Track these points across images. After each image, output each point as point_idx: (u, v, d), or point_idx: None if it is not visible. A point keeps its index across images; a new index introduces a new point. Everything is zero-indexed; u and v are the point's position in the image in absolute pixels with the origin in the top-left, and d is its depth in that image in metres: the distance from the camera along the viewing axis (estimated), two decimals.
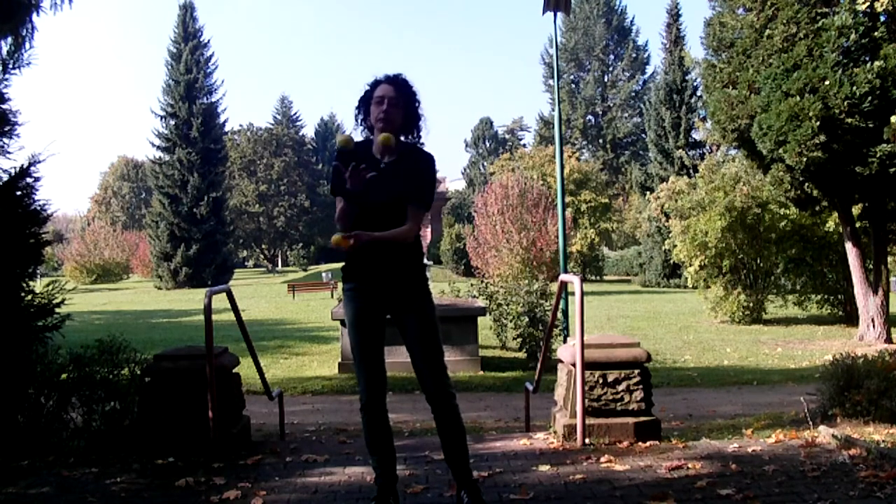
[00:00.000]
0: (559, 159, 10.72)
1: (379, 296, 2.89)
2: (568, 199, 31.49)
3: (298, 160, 55.09)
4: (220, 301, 4.33)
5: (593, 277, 32.90)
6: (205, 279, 33.99)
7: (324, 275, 31.99)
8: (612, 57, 52.04)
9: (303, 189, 54.33)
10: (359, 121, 2.99)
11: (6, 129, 4.19)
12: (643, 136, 41.46)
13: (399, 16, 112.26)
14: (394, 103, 2.84)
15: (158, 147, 37.51)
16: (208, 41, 37.91)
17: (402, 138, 2.94)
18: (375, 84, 2.91)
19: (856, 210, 11.92)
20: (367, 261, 2.87)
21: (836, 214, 12.54)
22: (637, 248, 34.29)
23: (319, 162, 57.57)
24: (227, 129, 43.31)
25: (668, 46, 31.74)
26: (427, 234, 34.08)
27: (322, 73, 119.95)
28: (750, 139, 11.11)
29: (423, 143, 3.00)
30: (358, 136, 3.00)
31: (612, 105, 51.23)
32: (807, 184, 11.28)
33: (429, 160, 2.95)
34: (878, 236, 11.77)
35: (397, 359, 8.25)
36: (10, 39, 4.28)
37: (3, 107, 4.18)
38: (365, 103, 2.93)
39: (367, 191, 2.80)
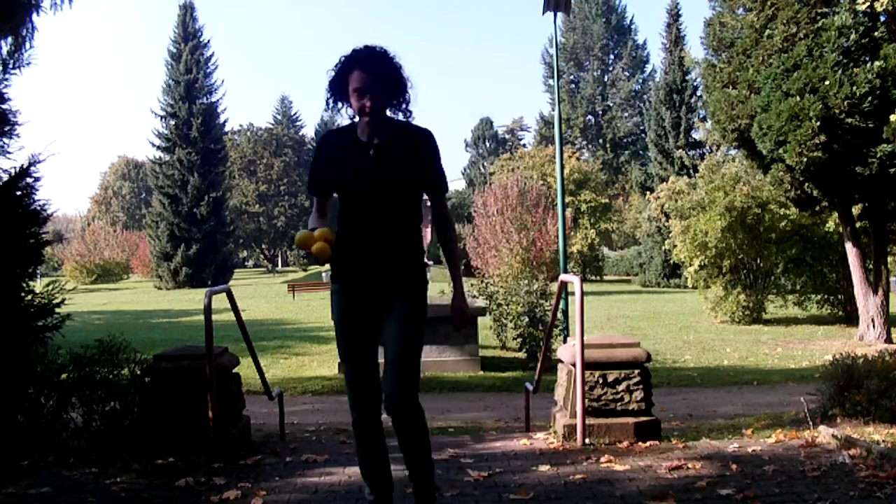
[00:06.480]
0: (559, 159, 10.72)
1: (371, 295, 2.58)
2: (568, 199, 31.48)
3: (298, 160, 55.08)
4: (220, 301, 4.33)
5: (593, 277, 32.90)
6: (205, 279, 34.02)
7: (324, 275, 32.00)
8: (611, 56, 52.05)
9: (303, 189, 54.27)
10: (329, 105, 2.64)
11: (6, 129, 4.19)
12: (643, 136, 41.48)
13: (399, 15, 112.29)
14: (375, 92, 2.50)
15: (158, 147, 37.55)
16: (208, 41, 38.02)
17: (390, 112, 2.62)
18: (347, 66, 2.54)
19: (856, 210, 11.92)
20: (361, 258, 2.57)
21: (836, 214, 12.54)
22: (637, 248, 34.29)
23: None
24: (227, 129, 43.34)
25: (668, 46, 31.74)
26: (427, 233, 33.96)
27: (322, 73, 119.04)
28: (750, 139, 11.11)
29: (411, 115, 2.66)
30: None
31: (611, 105, 51.23)
32: (807, 184, 11.27)
33: (428, 137, 2.64)
34: (878, 236, 11.77)
35: None
36: (10, 39, 4.27)
37: (3, 107, 4.18)
38: (338, 87, 2.58)
39: (355, 180, 2.54)
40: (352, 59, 2.54)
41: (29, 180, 4.12)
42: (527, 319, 9.69)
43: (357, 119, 2.60)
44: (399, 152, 2.57)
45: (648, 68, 50.90)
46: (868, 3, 9.48)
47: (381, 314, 2.60)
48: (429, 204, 2.79)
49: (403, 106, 2.63)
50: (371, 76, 2.50)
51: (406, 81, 2.60)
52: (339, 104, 2.62)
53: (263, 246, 57.30)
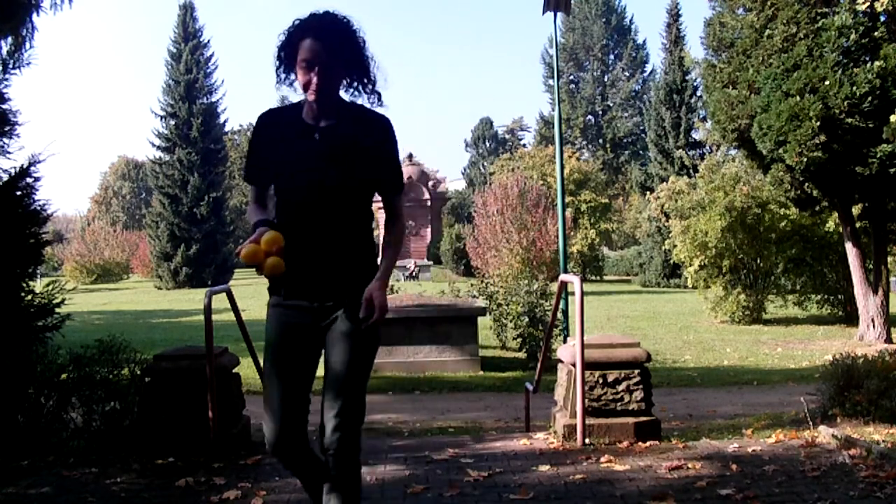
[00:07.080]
0: (559, 159, 10.72)
1: (316, 308, 2.20)
2: (568, 199, 31.49)
3: None
4: (220, 301, 4.33)
5: (593, 277, 32.86)
6: (205, 279, 33.97)
7: None
8: (611, 56, 52.07)
9: None
10: (280, 77, 2.25)
11: (6, 129, 4.19)
12: (643, 136, 41.48)
13: (399, 15, 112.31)
14: (326, 66, 2.11)
15: (158, 147, 37.51)
16: (208, 41, 37.87)
17: (349, 96, 2.24)
18: (298, 32, 2.16)
19: (856, 210, 11.92)
20: (302, 264, 2.15)
21: (836, 214, 12.54)
22: (637, 248, 34.29)
23: None
24: (227, 129, 43.25)
25: (668, 46, 31.72)
26: (426, 233, 34.09)
27: None
28: (750, 139, 11.11)
29: (375, 99, 2.26)
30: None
31: (611, 105, 51.24)
32: (807, 184, 11.28)
33: (384, 124, 2.23)
34: (878, 236, 11.77)
35: (396, 358, 8.25)
36: (10, 39, 4.28)
37: (3, 107, 4.19)
38: (287, 55, 2.20)
39: (295, 167, 2.16)
40: (305, 25, 2.16)
41: (29, 180, 4.12)
42: (527, 319, 9.69)
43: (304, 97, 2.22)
44: (349, 139, 2.17)
45: (648, 68, 50.95)
46: (868, 3, 9.48)
47: (325, 329, 2.21)
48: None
49: (367, 88, 2.23)
50: (323, 46, 2.10)
51: (369, 59, 2.20)
52: (291, 76, 2.22)
53: None
